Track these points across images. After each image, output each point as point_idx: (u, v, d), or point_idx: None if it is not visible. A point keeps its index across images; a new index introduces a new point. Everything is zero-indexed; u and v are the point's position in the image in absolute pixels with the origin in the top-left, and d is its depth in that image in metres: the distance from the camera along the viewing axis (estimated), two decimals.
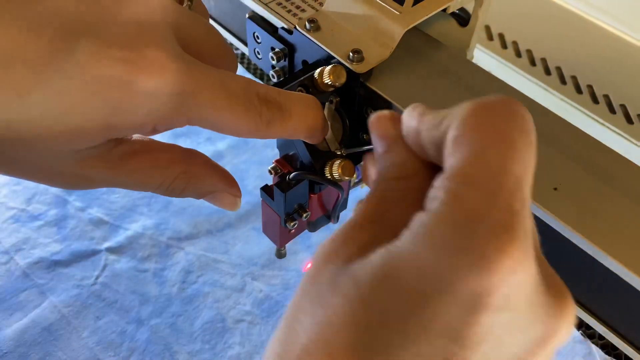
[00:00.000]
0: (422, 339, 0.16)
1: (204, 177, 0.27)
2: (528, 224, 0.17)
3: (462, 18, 0.35)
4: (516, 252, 0.16)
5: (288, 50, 0.33)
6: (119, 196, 0.58)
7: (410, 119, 0.21)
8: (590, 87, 0.51)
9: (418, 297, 0.16)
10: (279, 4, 0.33)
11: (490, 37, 0.57)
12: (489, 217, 0.16)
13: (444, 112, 0.20)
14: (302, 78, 0.29)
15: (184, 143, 0.63)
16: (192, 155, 0.27)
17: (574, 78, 0.52)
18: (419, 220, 0.18)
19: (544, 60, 0.53)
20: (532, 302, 0.17)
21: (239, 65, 0.73)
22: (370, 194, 0.21)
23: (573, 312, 0.19)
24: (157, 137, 0.69)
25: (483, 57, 0.56)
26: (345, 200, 0.35)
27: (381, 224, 0.20)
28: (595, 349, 0.47)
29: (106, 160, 0.23)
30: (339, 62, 0.30)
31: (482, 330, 0.16)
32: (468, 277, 0.16)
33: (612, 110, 0.50)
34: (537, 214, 0.26)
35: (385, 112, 0.23)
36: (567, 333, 0.19)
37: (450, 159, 0.18)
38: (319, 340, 0.17)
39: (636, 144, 0.47)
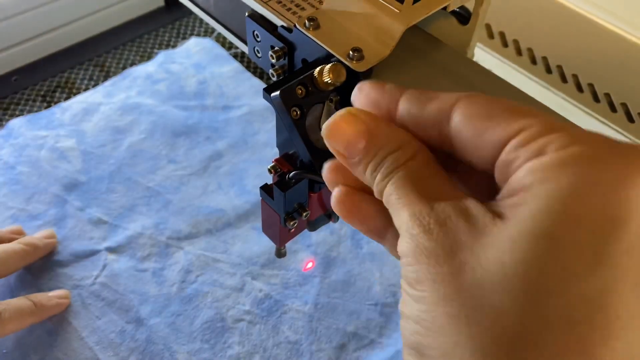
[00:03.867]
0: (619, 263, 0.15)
1: None
2: None
3: (463, 16, 0.35)
4: None
5: (288, 49, 0.33)
6: (118, 196, 0.58)
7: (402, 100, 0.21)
8: (591, 85, 0.50)
9: (607, 223, 0.15)
10: (279, 2, 0.33)
11: (490, 36, 0.56)
12: (615, 141, 0.17)
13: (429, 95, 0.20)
14: (301, 77, 0.29)
15: (184, 142, 0.63)
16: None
17: (575, 77, 0.51)
18: (550, 165, 0.16)
19: (544, 59, 0.53)
20: None
21: (239, 65, 0.72)
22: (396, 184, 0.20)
23: None
24: (157, 136, 0.67)
25: (484, 56, 0.56)
26: None
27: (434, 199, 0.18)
28: None
29: None
30: (339, 61, 0.30)
31: None
32: None
33: (613, 108, 0.50)
34: None
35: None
36: None
37: (518, 124, 0.18)
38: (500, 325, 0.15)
39: (637, 143, 0.47)
